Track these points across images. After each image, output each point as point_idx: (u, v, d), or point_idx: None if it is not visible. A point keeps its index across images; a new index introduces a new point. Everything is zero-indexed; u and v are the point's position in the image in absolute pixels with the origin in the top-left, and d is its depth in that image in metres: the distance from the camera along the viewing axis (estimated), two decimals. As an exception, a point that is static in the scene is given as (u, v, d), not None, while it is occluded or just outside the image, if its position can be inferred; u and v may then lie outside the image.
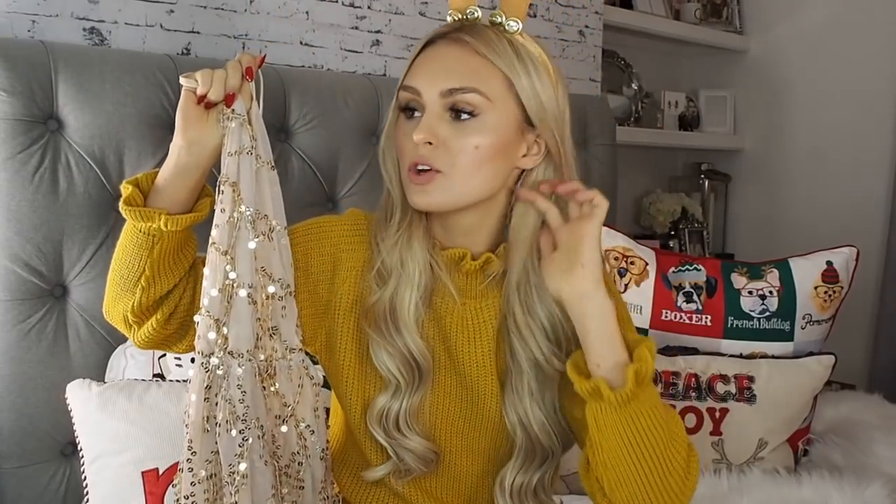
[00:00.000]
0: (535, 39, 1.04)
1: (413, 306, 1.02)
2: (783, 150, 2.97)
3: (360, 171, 1.77)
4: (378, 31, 1.97)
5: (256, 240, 0.96)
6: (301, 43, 1.85)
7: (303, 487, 1.01)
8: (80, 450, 1.32)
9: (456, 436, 1.09)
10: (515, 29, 1.01)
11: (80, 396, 1.31)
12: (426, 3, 2.04)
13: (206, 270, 0.96)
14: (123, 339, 1.49)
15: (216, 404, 0.95)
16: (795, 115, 2.94)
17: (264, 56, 1.00)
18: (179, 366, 1.41)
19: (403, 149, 1.01)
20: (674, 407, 1.65)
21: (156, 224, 0.95)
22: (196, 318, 0.97)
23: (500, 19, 1.01)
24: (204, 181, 1.00)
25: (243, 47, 1.76)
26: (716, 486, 1.56)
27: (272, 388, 0.98)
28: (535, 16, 2.29)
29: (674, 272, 1.85)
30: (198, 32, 1.70)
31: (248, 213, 0.95)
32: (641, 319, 1.80)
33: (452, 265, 1.06)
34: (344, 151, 1.76)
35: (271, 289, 0.97)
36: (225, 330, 0.95)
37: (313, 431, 1.01)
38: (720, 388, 1.68)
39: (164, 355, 1.42)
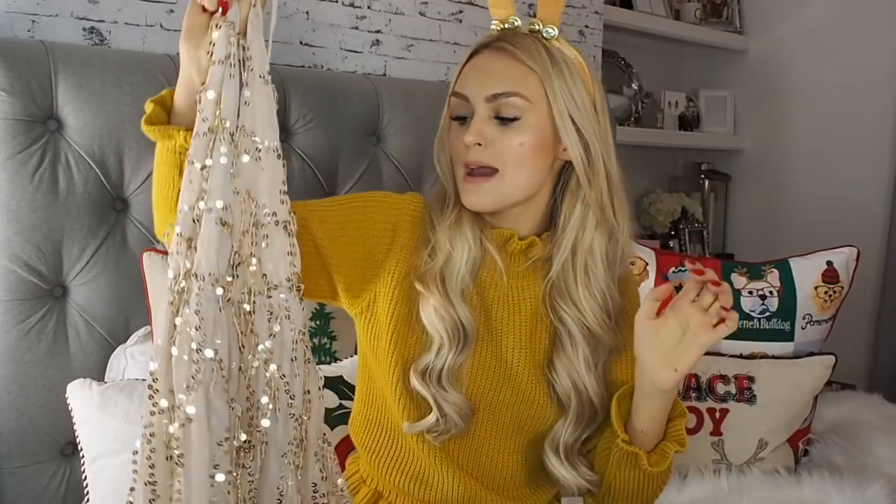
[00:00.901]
0: (572, 44, 1.13)
1: (461, 277, 1.11)
2: (783, 150, 2.97)
3: (360, 171, 1.77)
4: (378, 31, 1.97)
5: (229, 156, 0.89)
6: (301, 43, 1.85)
7: (266, 443, 0.92)
8: (81, 450, 1.32)
9: (484, 408, 1.15)
10: (552, 35, 1.12)
11: (80, 396, 1.31)
12: (426, 3, 2.04)
13: (182, 182, 0.91)
14: (123, 339, 1.49)
15: (175, 327, 0.88)
16: (795, 115, 2.94)
17: None
18: (179, 366, 1.41)
19: (456, 151, 1.12)
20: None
21: (178, 141, 0.98)
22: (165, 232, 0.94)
23: (537, 27, 1.13)
24: None
25: (243, 47, 1.76)
26: (716, 486, 1.56)
27: (250, 325, 0.91)
28: (534, 16, 2.29)
29: (674, 272, 1.85)
30: (198, 32, 1.70)
31: (225, 125, 0.90)
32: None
33: (500, 244, 1.15)
34: (344, 151, 1.76)
35: (252, 214, 0.91)
36: (193, 250, 0.89)
37: (287, 383, 0.92)
38: (720, 388, 1.68)
39: (164, 355, 1.42)
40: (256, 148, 0.92)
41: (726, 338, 1.77)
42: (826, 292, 1.81)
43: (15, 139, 1.38)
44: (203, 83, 0.92)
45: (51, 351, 1.43)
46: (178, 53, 1.66)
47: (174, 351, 0.88)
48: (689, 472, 1.58)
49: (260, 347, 0.92)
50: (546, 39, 1.12)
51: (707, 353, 1.73)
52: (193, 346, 0.87)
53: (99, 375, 1.44)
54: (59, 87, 1.42)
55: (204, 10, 0.92)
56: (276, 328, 0.93)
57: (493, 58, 1.11)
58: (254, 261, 0.92)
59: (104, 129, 1.46)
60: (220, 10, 0.91)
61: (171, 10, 1.66)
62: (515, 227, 1.15)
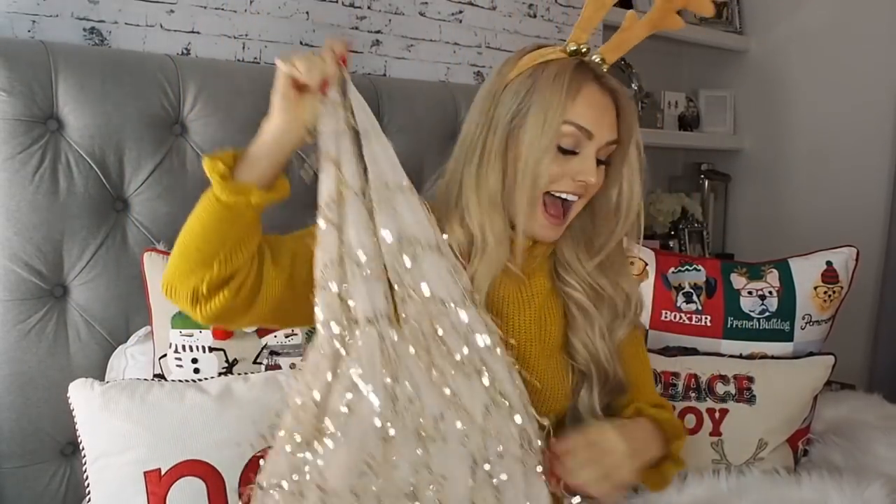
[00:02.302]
0: None
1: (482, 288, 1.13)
2: (783, 150, 2.97)
3: (360, 171, 1.77)
4: (378, 31, 1.97)
5: (361, 213, 0.97)
6: (301, 43, 1.85)
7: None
8: (83, 449, 1.32)
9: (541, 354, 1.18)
10: (607, 70, 1.18)
11: (82, 396, 1.31)
12: (426, 3, 2.04)
13: (319, 239, 0.97)
14: (123, 339, 1.49)
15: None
16: (795, 116, 2.94)
17: (350, 42, 1.04)
18: (180, 366, 1.41)
19: (549, 175, 1.11)
20: (673, 408, 1.66)
21: (246, 199, 0.97)
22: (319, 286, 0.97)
23: (601, 61, 1.17)
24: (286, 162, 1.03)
25: (243, 47, 1.76)
26: (715, 486, 1.56)
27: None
28: (534, 16, 2.29)
29: (673, 272, 1.85)
30: (198, 32, 1.70)
31: (350, 185, 0.97)
32: (641, 320, 1.80)
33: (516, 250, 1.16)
34: (344, 151, 1.75)
35: (399, 250, 0.98)
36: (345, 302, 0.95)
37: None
38: (720, 388, 1.68)
39: (165, 355, 1.42)
40: (387, 187, 0.99)
41: (726, 338, 1.79)
42: (826, 292, 1.81)
43: (15, 139, 1.38)
44: (293, 147, 1.00)
45: (51, 351, 1.43)
46: (178, 53, 1.67)
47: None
48: (689, 473, 1.58)
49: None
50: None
51: (707, 353, 1.76)
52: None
53: (99, 375, 1.44)
54: (59, 87, 1.42)
55: (297, 86, 0.96)
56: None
57: (607, 99, 1.14)
58: (413, 290, 0.98)
59: (104, 129, 1.46)
60: (321, 88, 0.97)
61: (171, 11, 1.66)
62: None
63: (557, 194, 1.13)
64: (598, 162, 1.14)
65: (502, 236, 1.13)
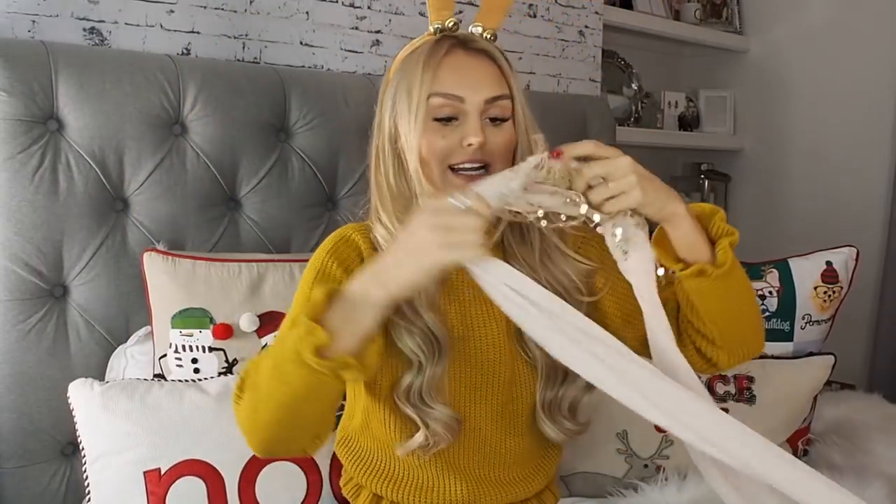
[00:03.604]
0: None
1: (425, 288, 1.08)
2: (783, 150, 2.97)
3: (360, 171, 1.77)
4: (378, 31, 1.97)
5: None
6: (301, 43, 1.85)
7: None
8: (82, 449, 1.32)
9: (477, 402, 1.16)
10: (491, 37, 1.18)
11: (82, 396, 1.31)
12: (426, 3, 2.04)
13: None
14: (123, 339, 1.49)
15: None
16: (795, 116, 2.94)
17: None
18: (180, 366, 1.41)
19: (444, 150, 1.10)
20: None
21: (342, 372, 0.93)
22: None
23: (480, 29, 1.17)
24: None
25: (243, 47, 1.76)
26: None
27: None
28: (535, 16, 2.29)
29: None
30: (198, 32, 1.70)
31: None
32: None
33: None
34: (344, 151, 1.76)
35: None
36: None
37: None
38: (720, 388, 1.67)
39: (165, 355, 1.42)
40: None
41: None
42: (825, 292, 1.81)
43: (15, 139, 1.38)
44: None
45: (51, 351, 1.43)
46: (178, 53, 1.67)
47: None
48: (689, 472, 1.58)
49: None
50: (491, 40, 1.17)
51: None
52: None
53: (99, 375, 1.44)
54: (59, 88, 1.42)
55: None
56: None
57: (475, 61, 1.12)
58: None
59: (104, 129, 1.46)
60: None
61: (171, 11, 1.66)
62: None
63: (458, 167, 1.10)
64: (496, 120, 1.11)
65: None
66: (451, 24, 1.17)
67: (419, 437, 1.10)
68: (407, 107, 1.10)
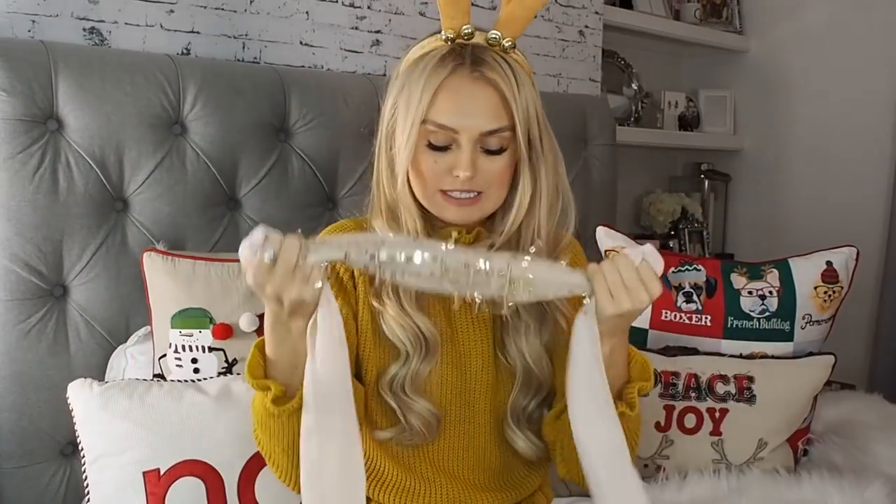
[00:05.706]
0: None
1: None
2: (783, 150, 2.97)
3: (360, 171, 1.77)
4: (378, 31, 1.97)
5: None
6: (301, 43, 1.85)
7: None
8: (82, 450, 1.32)
9: (464, 406, 1.17)
10: (510, 46, 1.10)
11: (81, 396, 1.31)
12: (426, 3, 2.04)
13: None
14: (123, 339, 1.49)
15: None
16: (795, 116, 2.94)
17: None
18: (180, 366, 1.41)
19: (434, 177, 1.09)
20: (673, 408, 1.66)
21: (295, 404, 1.03)
22: None
23: (496, 37, 1.10)
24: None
25: (243, 47, 1.76)
26: (715, 486, 1.56)
27: None
28: (535, 16, 2.28)
29: (674, 272, 1.85)
30: (198, 32, 1.70)
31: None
32: (641, 319, 1.80)
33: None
34: (344, 151, 1.76)
35: None
36: None
37: None
38: (720, 388, 1.67)
39: (164, 355, 1.42)
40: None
41: (726, 338, 1.79)
42: (826, 292, 1.81)
43: (15, 139, 1.38)
44: None
45: (51, 351, 1.43)
46: (178, 53, 1.67)
47: None
48: (689, 472, 1.58)
49: None
50: (504, 50, 1.10)
51: (707, 353, 1.76)
52: None
53: (99, 375, 1.44)
54: (59, 87, 1.42)
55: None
56: None
57: (474, 88, 1.07)
58: None
59: (104, 129, 1.46)
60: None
61: (171, 11, 1.66)
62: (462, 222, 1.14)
63: (450, 193, 1.09)
64: (492, 152, 1.08)
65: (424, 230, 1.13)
66: (467, 32, 1.09)
67: (392, 430, 1.14)
68: (403, 121, 1.09)
